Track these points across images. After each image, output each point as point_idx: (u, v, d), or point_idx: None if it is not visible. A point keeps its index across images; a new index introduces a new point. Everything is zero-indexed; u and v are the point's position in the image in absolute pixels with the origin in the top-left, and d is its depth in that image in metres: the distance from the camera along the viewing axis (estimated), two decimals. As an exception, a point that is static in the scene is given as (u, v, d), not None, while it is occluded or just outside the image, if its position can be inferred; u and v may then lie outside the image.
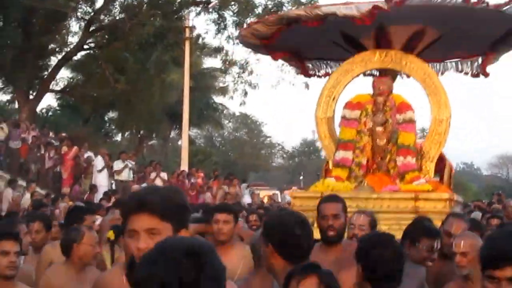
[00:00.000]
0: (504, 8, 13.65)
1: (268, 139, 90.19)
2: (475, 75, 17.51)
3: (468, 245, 8.29)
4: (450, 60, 17.53)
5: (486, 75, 17.19)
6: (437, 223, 10.79)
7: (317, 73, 17.64)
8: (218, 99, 58.98)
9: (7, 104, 49.61)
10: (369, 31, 14.67)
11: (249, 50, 22.98)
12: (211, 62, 54.30)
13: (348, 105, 14.49)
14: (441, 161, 14.68)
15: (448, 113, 14.35)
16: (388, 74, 14.87)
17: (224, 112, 64.75)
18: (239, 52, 53.91)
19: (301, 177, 78.81)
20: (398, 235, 10.94)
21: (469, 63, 17.48)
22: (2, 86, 49.31)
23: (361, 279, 6.78)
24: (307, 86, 44.07)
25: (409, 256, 8.74)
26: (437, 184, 14.37)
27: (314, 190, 14.17)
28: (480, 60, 17.09)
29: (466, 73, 17.47)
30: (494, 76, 18.31)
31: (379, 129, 14.21)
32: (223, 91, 55.37)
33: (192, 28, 45.63)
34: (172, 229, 4.70)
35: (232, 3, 44.43)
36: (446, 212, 12.65)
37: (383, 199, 13.57)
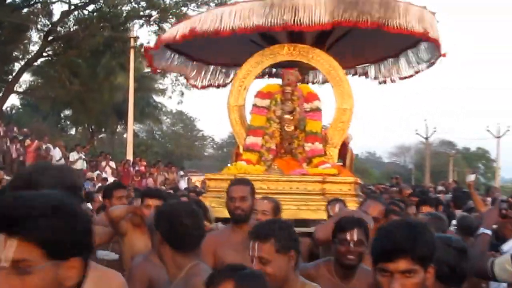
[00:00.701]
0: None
1: (201, 132, 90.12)
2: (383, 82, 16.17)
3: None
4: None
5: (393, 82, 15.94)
6: (350, 205, 10.15)
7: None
8: (158, 98, 57.99)
9: None
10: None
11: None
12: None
13: (259, 94, 12.79)
14: (344, 147, 13.02)
15: (351, 103, 12.72)
16: (298, 67, 12.98)
17: (163, 109, 63.73)
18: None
19: (229, 165, 77.12)
20: (306, 215, 11.44)
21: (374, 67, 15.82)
22: None
23: None
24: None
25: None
26: (341, 168, 12.80)
27: (228, 172, 12.46)
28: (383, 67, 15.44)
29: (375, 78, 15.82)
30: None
31: (287, 116, 12.56)
32: (162, 92, 54.52)
33: (136, 38, 43.76)
34: None
35: (170, 16, 42.93)
36: (351, 194, 11.67)
37: (292, 181, 11.99)
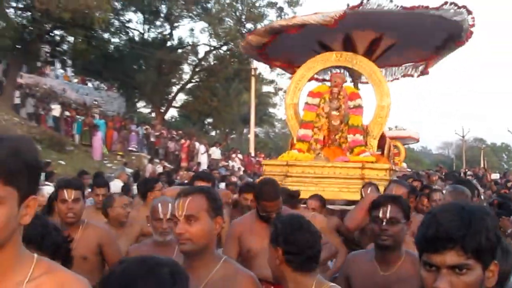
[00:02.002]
0: (442, 11, 9.72)
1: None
2: (419, 75, 13.21)
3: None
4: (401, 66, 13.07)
5: (427, 73, 13.04)
6: (381, 188, 7.67)
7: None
8: (272, 110, 57.74)
9: (148, 114, 46.71)
10: (338, 38, 10.80)
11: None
12: (267, 88, 51.70)
13: (310, 94, 10.52)
14: (382, 139, 10.44)
15: (389, 100, 10.13)
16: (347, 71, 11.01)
17: (275, 117, 62.78)
18: (284, 82, 49.72)
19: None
20: (347, 197, 9.23)
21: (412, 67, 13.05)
22: (145, 104, 47.26)
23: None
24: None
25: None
26: (379, 156, 10.33)
27: (281, 159, 10.26)
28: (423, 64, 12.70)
29: (411, 76, 13.02)
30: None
31: (334, 113, 10.30)
32: (274, 105, 55.42)
33: (255, 69, 42.20)
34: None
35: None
36: (386, 179, 9.13)
37: (335, 167, 9.68)
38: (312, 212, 6.86)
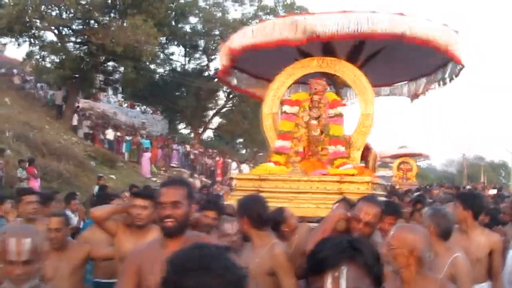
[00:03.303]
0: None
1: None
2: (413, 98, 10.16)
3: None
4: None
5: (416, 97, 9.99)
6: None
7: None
8: None
9: (188, 134, 44.91)
10: (317, 45, 7.83)
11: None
12: None
13: (288, 102, 7.73)
14: (367, 150, 7.48)
15: (373, 109, 7.24)
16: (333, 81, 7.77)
17: None
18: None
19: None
20: (324, 214, 5.60)
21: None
22: (185, 126, 45.30)
23: None
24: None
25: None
26: (362, 169, 7.29)
27: (254, 173, 7.69)
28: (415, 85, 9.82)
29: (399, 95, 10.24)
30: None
31: (313, 122, 7.43)
32: None
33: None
34: None
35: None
36: (368, 193, 6.39)
37: (312, 181, 6.99)
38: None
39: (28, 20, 27.44)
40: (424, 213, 4.19)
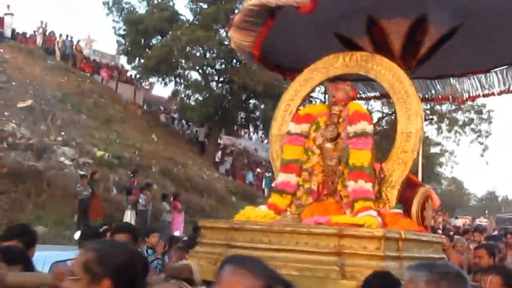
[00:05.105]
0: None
1: (467, 190, 76.90)
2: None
3: None
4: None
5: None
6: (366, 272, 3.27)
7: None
8: (439, 169, 48.79)
9: None
10: (361, 28, 5.21)
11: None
12: (435, 150, 42.75)
13: (295, 118, 4.87)
14: (411, 189, 4.46)
15: (419, 124, 4.26)
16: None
17: (442, 176, 53.58)
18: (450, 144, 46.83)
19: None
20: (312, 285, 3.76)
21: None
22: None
23: None
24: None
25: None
26: (398, 217, 4.21)
27: (224, 221, 4.71)
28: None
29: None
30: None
31: (328, 145, 4.46)
32: (441, 164, 46.60)
33: (423, 132, 33.62)
34: None
35: (446, 120, 34.74)
36: (377, 255, 3.64)
37: (300, 233, 4.07)
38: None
39: (174, 60, 28.18)
40: None
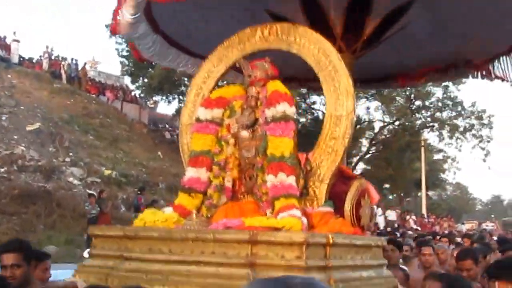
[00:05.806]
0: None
1: (472, 195, 75.02)
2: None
3: None
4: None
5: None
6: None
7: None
8: (443, 175, 45.80)
9: None
10: (295, 4, 4.59)
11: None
12: (437, 156, 42.60)
13: (205, 102, 3.82)
14: (345, 182, 3.51)
15: (351, 106, 3.30)
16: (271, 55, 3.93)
17: (446, 181, 50.55)
18: (452, 151, 45.35)
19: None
20: None
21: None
22: None
23: None
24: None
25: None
26: (327, 217, 3.26)
27: (119, 227, 3.80)
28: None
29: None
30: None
31: (244, 134, 3.46)
32: (444, 171, 43.69)
33: (425, 140, 36.42)
34: None
35: (447, 126, 34.49)
36: (298, 265, 2.55)
37: (205, 241, 3.04)
38: None
39: (176, 78, 28.27)
40: None
